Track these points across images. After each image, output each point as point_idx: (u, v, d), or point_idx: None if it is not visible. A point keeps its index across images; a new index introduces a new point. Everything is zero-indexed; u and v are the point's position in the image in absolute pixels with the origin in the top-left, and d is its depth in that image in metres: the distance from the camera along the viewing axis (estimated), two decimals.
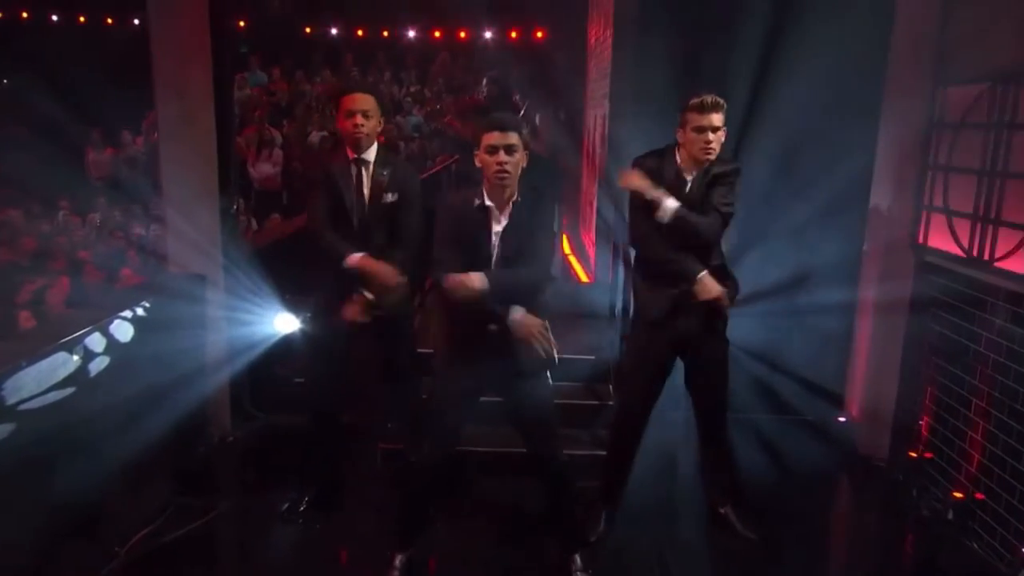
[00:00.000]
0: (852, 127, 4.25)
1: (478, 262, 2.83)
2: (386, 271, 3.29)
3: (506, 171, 2.77)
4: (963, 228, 3.69)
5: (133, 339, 3.44)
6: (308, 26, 12.59)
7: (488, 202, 2.85)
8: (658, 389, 3.45)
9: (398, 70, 12.14)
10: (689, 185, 3.25)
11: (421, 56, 12.52)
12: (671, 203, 3.16)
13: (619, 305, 4.63)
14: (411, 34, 12.72)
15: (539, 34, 12.05)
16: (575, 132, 7.93)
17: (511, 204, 2.86)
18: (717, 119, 3.15)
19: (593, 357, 4.42)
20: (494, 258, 2.86)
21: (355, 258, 3.28)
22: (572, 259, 7.15)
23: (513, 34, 12.26)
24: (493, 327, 2.83)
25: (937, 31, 3.91)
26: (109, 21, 12.23)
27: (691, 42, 4.36)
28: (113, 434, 3.26)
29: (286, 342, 4.31)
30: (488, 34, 12.36)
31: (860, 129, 4.24)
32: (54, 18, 12.10)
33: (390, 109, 10.17)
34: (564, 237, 7.42)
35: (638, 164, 3.29)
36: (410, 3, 12.03)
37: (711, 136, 3.15)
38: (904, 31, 4.07)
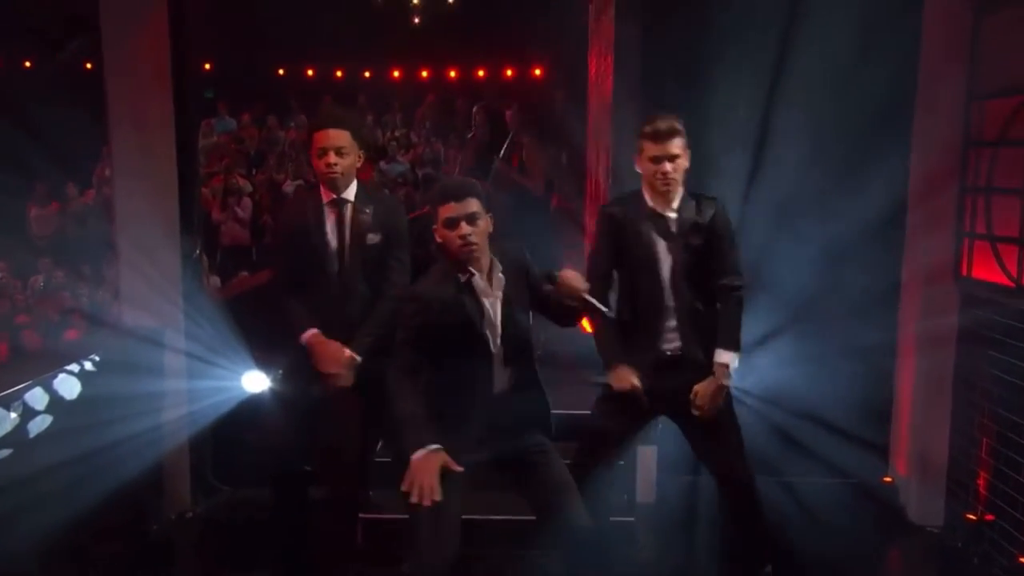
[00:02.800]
0: (881, 149, 4.34)
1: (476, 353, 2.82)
2: (331, 353, 3.31)
3: (472, 243, 2.75)
4: (1010, 255, 3.75)
5: (80, 396, 3.47)
6: (281, 67, 12.94)
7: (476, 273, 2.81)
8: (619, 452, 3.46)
9: (381, 113, 12.44)
10: (674, 223, 3.19)
11: (407, 98, 12.82)
12: (730, 357, 3.18)
13: None
14: (395, 74, 13.08)
15: (537, 71, 12.39)
16: (577, 169, 8.08)
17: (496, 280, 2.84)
18: (675, 147, 3.09)
19: None
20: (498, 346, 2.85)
21: (305, 335, 3.34)
22: None
23: (509, 72, 12.61)
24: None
25: (969, 39, 4.04)
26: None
27: (699, 67, 4.47)
28: (54, 506, 3.25)
29: (254, 404, 4.31)
30: (481, 73, 12.72)
31: (891, 150, 4.32)
32: None
33: (373, 143, 10.33)
34: None
35: (604, 213, 3.30)
36: (395, 41, 12.32)
37: (668, 167, 3.09)
38: (933, 41, 4.21)
